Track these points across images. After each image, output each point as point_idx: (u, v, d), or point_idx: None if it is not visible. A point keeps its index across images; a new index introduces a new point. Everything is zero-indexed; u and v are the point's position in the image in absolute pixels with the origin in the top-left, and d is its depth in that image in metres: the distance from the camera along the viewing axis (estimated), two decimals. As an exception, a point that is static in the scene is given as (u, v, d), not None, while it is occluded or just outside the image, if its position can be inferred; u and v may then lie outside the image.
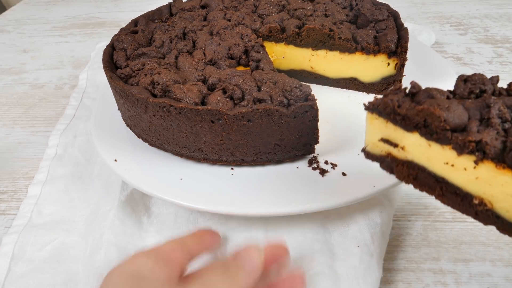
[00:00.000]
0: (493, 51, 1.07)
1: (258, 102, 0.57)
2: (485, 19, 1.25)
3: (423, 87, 0.40)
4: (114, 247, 0.57)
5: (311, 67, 0.83)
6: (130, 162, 0.63)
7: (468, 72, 1.00)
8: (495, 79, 0.41)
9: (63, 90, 1.04)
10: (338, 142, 0.66)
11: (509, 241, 0.57)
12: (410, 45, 0.73)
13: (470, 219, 0.39)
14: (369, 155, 0.47)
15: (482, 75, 0.40)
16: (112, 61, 0.70)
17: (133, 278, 0.35)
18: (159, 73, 0.62)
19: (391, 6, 0.82)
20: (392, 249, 0.58)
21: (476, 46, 1.10)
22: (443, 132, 0.36)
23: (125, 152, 0.65)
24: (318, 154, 0.63)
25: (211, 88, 0.61)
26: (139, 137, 0.68)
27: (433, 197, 0.41)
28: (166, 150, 0.65)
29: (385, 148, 0.44)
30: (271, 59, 0.77)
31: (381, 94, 0.65)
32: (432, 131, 0.37)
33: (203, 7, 0.88)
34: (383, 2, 0.84)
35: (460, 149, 0.35)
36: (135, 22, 0.81)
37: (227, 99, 0.57)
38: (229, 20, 0.80)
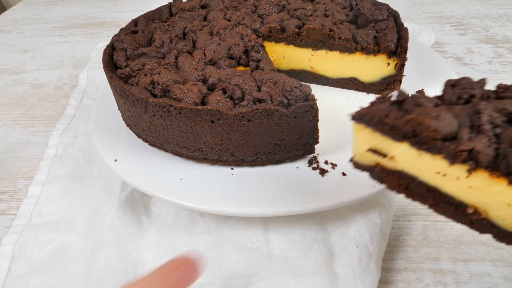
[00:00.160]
0: (493, 51, 1.07)
1: (258, 102, 0.57)
2: (485, 19, 1.25)
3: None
4: (114, 247, 0.57)
5: (311, 67, 0.83)
6: (130, 162, 0.63)
7: (468, 72, 1.00)
8: (482, 82, 0.39)
9: (63, 90, 1.04)
10: (338, 142, 0.66)
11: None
12: (410, 45, 0.73)
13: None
14: (357, 165, 0.45)
15: (470, 79, 0.39)
16: (112, 61, 0.70)
17: None
18: (159, 73, 0.62)
19: (391, 6, 0.82)
20: (392, 249, 0.58)
21: (476, 46, 1.10)
22: (433, 142, 0.34)
23: (125, 152, 0.65)
24: (318, 154, 0.63)
25: (211, 88, 0.61)
26: (139, 137, 0.68)
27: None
28: (166, 150, 0.65)
29: (373, 158, 0.42)
30: (271, 59, 0.77)
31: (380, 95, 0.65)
32: (422, 140, 0.35)
33: (203, 7, 0.88)
34: (383, 2, 0.84)
35: (452, 159, 0.34)
36: (135, 22, 0.81)
37: (227, 99, 0.57)
38: (229, 20, 0.80)
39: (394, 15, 0.80)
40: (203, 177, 0.60)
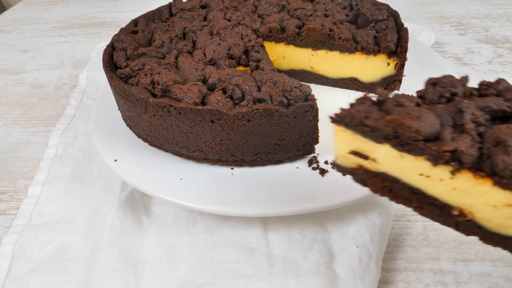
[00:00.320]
0: (493, 51, 1.07)
1: (258, 102, 0.57)
2: (485, 19, 1.25)
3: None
4: (114, 247, 0.57)
5: (311, 67, 0.83)
6: (130, 162, 0.63)
7: (469, 72, 1.00)
8: (465, 80, 0.38)
9: (63, 90, 1.04)
10: (338, 142, 0.66)
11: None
12: (410, 45, 0.73)
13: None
14: (340, 168, 0.44)
15: (452, 76, 0.38)
16: (112, 61, 0.70)
17: None
18: (159, 73, 0.62)
19: (391, 6, 0.82)
20: (392, 249, 0.58)
21: (476, 46, 1.10)
22: (415, 143, 0.33)
23: (125, 152, 0.65)
24: (318, 154, 0.63)
25: (211, 88, 0.61)
26: (139, 137, 0.68)
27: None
28: (166, 150, 0.65)
29: (356, 161, 0.41)
30: (271, 59, 0.77)
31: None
32: (404, 142, 0.34)
33: (203, 7, 0.88)
34: (383, 2, 0.84)
35: (435, 160, 0.33)
36: (135, 22, 0.81)
37: (227, 99, 0.57)
38: (229, 20, 0.80)
39: (394, 15, 0.80)
40: (203, 177, 0.60)
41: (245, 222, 0.60)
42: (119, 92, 0.64)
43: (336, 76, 0.83)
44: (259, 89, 0.60)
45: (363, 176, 0.41)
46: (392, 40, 0.72)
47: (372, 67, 0.77)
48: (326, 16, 0.80)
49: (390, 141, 0.36)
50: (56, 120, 0.90)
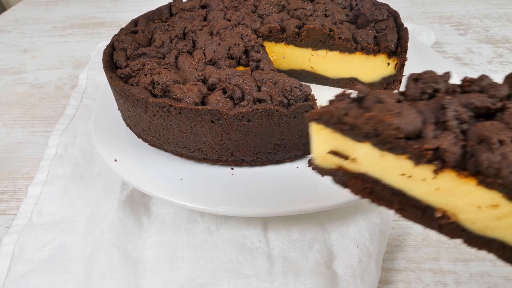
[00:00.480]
0: (493, 51, 1.07)
1: (258, 102, 0.57)
2: (485, 19, 1.25)
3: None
4: (114, 247, 0.57)
5: (311, 67, 0.83)
6: (130, 162, 0.63)
7: (469, 72, 1.00)
8: (447, 76, 0.37)
9: (63, 90, 1.04)
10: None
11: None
12: (410, 45, 0.73)
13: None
14: (318, 169, 0.42)
15: (433, 72, 0.36)
16: (112, 61, 0.70)
17: None
18: (159, 73, 0.62)
19: (391, 6, 0.82)
20: (392, 249, 0.58)
21: (476, 46, 1.10)
22: (396, 141, 0.31)
23: (125, 152, 0.65)
24: (318, 154, 0.63)
25: (211, 88, 0.61)
26: (139, 137, 0.68)
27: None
28: (166, 150, 0.65)
29: (335, 161, 0.39)
30: (271, 59, 0.77)
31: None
32: (384, 140, 0.32)
33: (203, 7, 0.88)
34: (383, 2, 0.84)
35: (417, 159, 0.31)
36: (135, 22, 0.81)
37: (227, 99, 0.57)
38: (229, 20, 0.80)
39: (394, 15, 0.80)
40: (203, 177, 0.60)
41: (245, 222, 0.60)
42: (119, 92, 0.64)
43: (336, 76, 0.83)
44: (259, 89, 0.60)
45: (343, 177, 0.40)
46: (392, 40, 0.72)
47: (372, 67, 0.77)
48: (326, 16, 0.80)
49: (370, 139, 0.34)
50: (56, 120, 0.90)
